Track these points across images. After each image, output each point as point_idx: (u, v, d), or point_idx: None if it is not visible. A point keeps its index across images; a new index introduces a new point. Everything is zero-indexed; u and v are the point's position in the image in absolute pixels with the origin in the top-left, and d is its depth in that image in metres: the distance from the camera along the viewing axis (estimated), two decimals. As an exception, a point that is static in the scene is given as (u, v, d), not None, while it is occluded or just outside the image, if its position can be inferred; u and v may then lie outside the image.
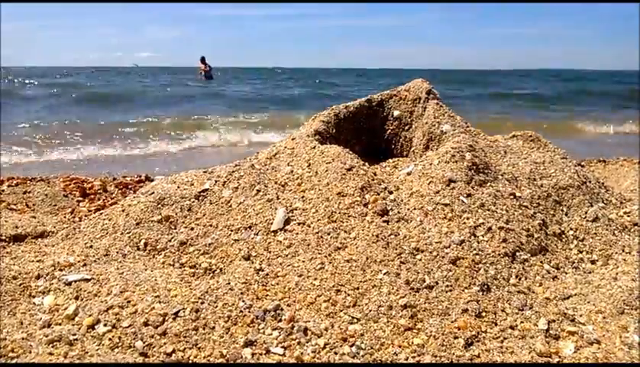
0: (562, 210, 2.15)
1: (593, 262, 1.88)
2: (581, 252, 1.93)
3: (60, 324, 1.41)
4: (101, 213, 2.19)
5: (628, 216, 2.22)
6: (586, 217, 2.11)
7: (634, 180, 2.97)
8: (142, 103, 12.60)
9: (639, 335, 1.39)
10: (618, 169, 3.79)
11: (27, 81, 20.28)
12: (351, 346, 1.35)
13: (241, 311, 1.45)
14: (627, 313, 1.50)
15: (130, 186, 3.54)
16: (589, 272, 1.81)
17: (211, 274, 1.73)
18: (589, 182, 2.38)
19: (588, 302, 1.57)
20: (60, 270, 1.67)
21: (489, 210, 1.91)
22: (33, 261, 1.76)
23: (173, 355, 1.30)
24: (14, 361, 1.22)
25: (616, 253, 1.92)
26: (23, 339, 1.31)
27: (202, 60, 21.71)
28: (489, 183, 2.09)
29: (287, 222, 1.89)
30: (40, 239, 2.11)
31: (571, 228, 2.05)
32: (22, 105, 11.44)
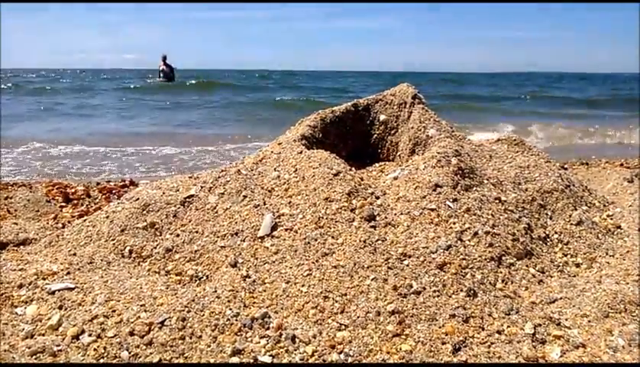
0: (547, 214, 2.17)
1: (577, 266, 1.90)
2: (566, 256, 1.95)
3: (44, 335, 1.38)
4: (84, 220, 2.16)
5: (612, 219, 2.25)
6: (570, 221, 2.13)
7: (616, 182, 3.01)
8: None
9: (624, 338, 1.41)
10: (601, 171, 3.84)
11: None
12: (340, 353, 1.35)
13: (228, 319, 1.43)
14: (612, 316, 1.51)
15: (114, 191, 3.50)
16: (574, 276, 1.83)
17: (198, 282, 1.72)
18: (573, 185, 2.41)
19: (573, 306, 1.58)
20: (43, 279, 1.65)
21: (475, 215, 1.92)
22: (15, 269, 1.72)
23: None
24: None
25: (600, 256, 1.95)
26: (5, 351, 1.28)
27: (164, 59, 20.58)
28: (474, 188, 2.10)
29: (274, 227, 1.88)
30: (22, 247, 2.07)
31: (556, 232, 2.07)
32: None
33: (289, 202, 1.99)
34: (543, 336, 1.45)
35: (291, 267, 1.68)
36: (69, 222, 2.58)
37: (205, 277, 1.73)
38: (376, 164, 2.77)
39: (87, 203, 3.16)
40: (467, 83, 31.06)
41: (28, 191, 3.21)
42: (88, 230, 2.03)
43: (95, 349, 1.32)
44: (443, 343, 1.40)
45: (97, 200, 3.26)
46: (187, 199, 2.12)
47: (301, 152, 2.30)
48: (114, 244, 1.92)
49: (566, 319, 1.52)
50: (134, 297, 1.54)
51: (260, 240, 1.84)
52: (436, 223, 1.86)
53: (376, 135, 2.93)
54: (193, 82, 22.32)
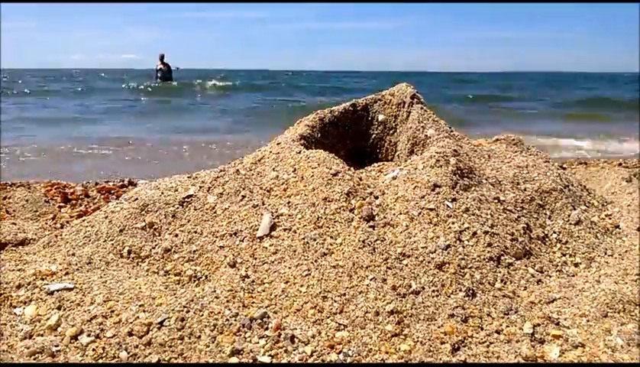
0: (545, 214, 2.17)
1: (576, 265, 1.90)
2: (564, 255, 1.95)
3: (42, 335, 1.38)
4: (83, 220, 2.16)
5: (610, 219, 2.25)
6: (568, 220, 2.14)
7: (614, 182, 3.01)
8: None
9: (623, 338, 1.41)
10: (599, 171, 3.84)
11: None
12: (338, 354, 1.35)
13: (227, 320, 1.43)
14: (610, 316, 1.51)
15: (112, 191, 3.50)
16: (573, 275, 1.84)
17: (197, 282, 1.71)
18: (572, 185, 2.41)
19: (572, 305, 1.59)
20: (42, 279, 1.64)
21: (474, 215, 1.92)
22: (13, 269, 1.72)
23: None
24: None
25: (599, 256, 1.95)
26: (4, 351, 1.28)
27: (161, 58, 19.17)
28: (473, 188, 2.10)
29: (273, 228, 1.88)
30: (20, 247, 2.07)
31: (554, 232, 2.07)
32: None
33: (288, 202, 1.99)
34: (542, 336, 1.45)
35: (290, 268, 1.68)
36: (67, 222, 2.58)
37: (203, 278, 1.73)
38: (375, 164, 2.77)
39: (86, 203, 3.16)
40: (470, 83, 31.22)
41: (27, 191, 3.20)
42: (87, 230, 2.02)
43: (93, 350, 1.31)
44: (442, 343, 1.40)
45: (96, 200, 3.26)
46: (186, 199, 2.12)
47: (299, 152, 2.30)
48: (112, 244, 1.91)
49: (565, 319, 1.52)
50: (132, 298, 1.54)
51: (258, 240, 1.84)
52: (435, 223, 1.86)
53: (374, 135, 2.93)
54: (194, 81, 22.29)
